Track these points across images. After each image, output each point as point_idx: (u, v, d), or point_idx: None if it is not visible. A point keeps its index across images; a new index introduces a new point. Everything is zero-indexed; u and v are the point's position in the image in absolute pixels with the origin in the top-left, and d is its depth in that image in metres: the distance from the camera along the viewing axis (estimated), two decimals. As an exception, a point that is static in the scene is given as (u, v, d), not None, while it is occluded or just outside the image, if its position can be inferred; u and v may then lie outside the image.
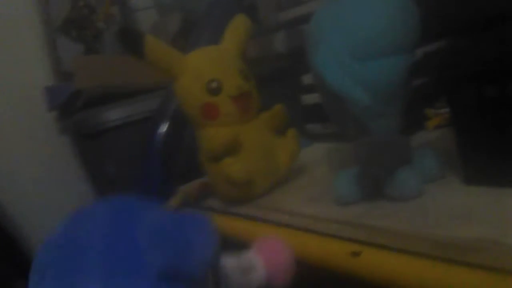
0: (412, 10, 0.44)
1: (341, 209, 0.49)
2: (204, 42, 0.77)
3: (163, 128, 0.85)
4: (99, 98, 1.02)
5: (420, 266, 0.36)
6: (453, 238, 0.36)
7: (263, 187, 0.62)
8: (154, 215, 0.33)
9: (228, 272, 0.40)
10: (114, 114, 1.00)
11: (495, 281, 0.30)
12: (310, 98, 0.81)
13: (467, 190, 0.43)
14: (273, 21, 0.92)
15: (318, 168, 0.68)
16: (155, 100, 0.92)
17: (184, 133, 0.84)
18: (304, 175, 0.67)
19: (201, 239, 0.33)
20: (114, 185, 1.04)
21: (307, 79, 0.82)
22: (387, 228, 0.41)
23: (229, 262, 0.41)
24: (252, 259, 0.43)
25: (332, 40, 0.43)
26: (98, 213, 0.34)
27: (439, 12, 0.45)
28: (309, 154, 0.77)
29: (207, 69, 0.59)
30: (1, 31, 1.28)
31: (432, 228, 0.39)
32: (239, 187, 0.59)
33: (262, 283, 0.43)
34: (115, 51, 1.21)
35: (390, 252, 0.38)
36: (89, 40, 1.19)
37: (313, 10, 0.48)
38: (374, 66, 0.42)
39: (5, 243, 1.24)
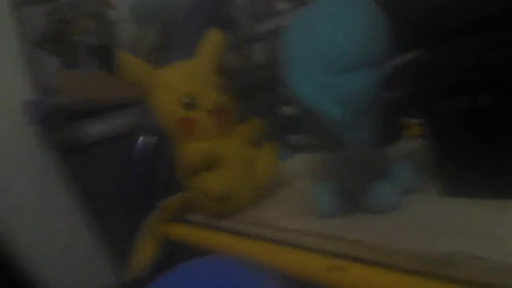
0: (382, 23, 0.44)
1: (319, 222, 0.49)
2: (179, 56, 0.76)
3: (144, 141, 0.84)
4: (81, 113, 1.01)
5: (396, 280, 0.35)
6: (429, 252, 0.36)
7: (243, 200, 0.61)
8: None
9: None
10: (96, 129, 0.99)
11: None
12: (290, 109, 0.81)
13: (443, 202, 0.44)
14: (251, 32, 0.92)
15: (299, 180, 0.68)
16: (137, 114, 0.91)
17: (166, 147, 0.83)
18: (285, 188, 0.67)
19: None
20: (98, 200, 1.03)
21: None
22: (363, 242, 0.41)
23: None
24: None
25: (304, 55, 0.43)
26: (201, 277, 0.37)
27: (410, 24, 0.45)
28: (290, 165, 0.77)
29: (180, 84, 0.59)
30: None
31: (409, 241, 0.38)
32: (218, 202, 0.59)
33: None
34: (94, 65, 1.20)
35: (366, 266, 0.38)
36: (66, 54, 1.17)
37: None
38: (346, 79, 0.42)
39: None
